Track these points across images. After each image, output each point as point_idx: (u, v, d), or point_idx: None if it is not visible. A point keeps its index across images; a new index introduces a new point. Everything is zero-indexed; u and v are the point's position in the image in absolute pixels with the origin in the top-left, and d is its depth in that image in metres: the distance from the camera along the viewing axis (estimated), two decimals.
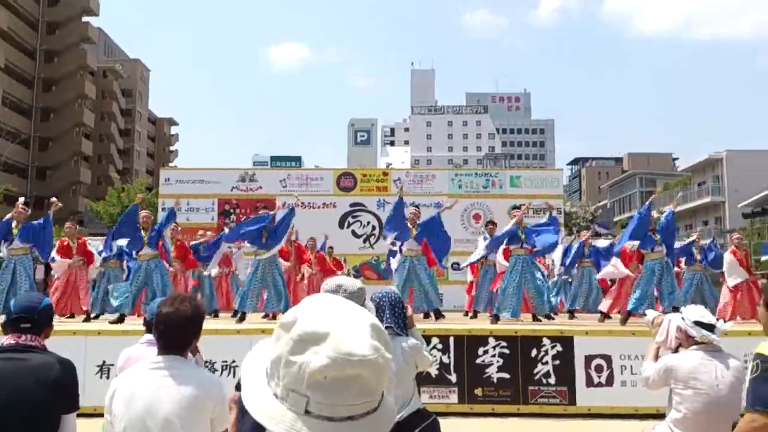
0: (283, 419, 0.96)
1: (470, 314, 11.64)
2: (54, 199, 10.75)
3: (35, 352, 2.81)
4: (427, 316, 10.16)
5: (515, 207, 10.73)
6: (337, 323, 0.98)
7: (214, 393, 2.65)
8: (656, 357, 3.98)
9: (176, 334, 2.68)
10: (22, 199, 10.54)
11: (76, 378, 2.88)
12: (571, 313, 11.99)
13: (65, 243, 11.29)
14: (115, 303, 9.59)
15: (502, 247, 10.29)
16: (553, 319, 9.94)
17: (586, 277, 12.45)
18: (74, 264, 11.24)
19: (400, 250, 10.32)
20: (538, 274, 9.85)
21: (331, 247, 14.70)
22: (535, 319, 9.75)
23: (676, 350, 3.92)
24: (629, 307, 9.36)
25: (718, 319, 3.91)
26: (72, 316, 11.00)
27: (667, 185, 57.68)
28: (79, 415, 2.98)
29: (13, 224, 9.96)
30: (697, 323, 3.76)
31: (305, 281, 12.76)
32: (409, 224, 10.27)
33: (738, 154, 46.44)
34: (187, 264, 11.68)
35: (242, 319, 9.49)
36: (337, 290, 2.78)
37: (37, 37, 53.71)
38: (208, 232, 13.40)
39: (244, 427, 2.80)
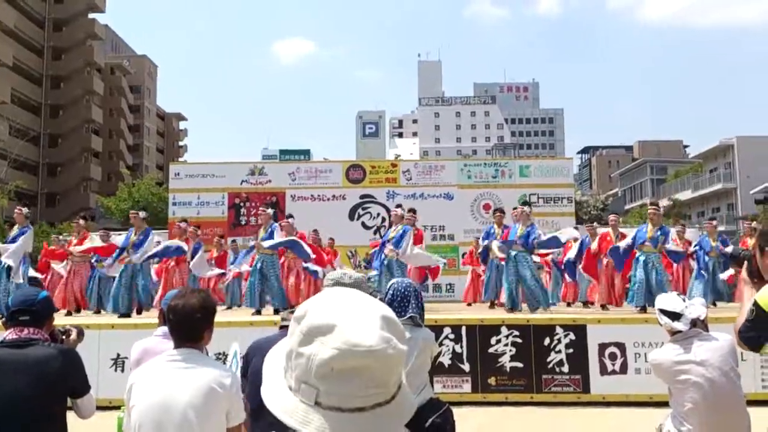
0: (295, 411, 0.97)
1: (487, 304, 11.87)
2: None
3: (37, 344, 2.83)
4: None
5: (526, 203, 10.76)
6: (346, 315, 0.99)
7: (229, 385, 2.65)
8: None
9: (186, 326, 2.69)
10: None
11: (80, 366, 2.97)
12: (585, 304, 12.21)
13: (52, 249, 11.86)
14: None
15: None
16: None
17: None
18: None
19: (382, 251, 10.75)
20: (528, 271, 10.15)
21: (331, 239, 15.22)
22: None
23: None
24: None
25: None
26: None
27: (679, 172, 57.30)
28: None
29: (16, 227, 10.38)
30: (662, 311, 3.68)
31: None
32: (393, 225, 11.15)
33: (749, 140, 46.02)
34: None
35: (258, 312, 9.84)
36: (342, 277, 2.83)
37: (44, 34, 53.90)
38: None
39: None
